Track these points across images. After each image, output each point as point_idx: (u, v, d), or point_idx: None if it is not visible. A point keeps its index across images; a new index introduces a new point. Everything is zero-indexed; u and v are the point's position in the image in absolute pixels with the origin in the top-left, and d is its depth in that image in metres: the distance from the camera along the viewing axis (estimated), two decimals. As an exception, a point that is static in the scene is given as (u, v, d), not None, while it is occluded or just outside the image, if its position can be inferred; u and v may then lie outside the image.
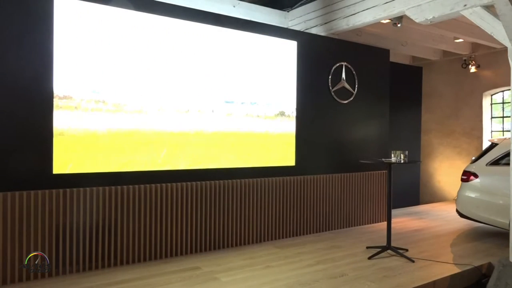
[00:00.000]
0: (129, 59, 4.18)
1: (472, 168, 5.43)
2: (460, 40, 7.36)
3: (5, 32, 3.55)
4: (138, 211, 4.18)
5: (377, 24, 5.76)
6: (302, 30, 6.17)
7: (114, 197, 4.05)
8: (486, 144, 7.49)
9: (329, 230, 5.72)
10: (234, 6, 5.93)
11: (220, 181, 4.74)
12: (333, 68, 5.80)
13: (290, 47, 5.39)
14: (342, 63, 5.90)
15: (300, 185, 5.42)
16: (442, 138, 8.89)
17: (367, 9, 5.35)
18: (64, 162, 3.81)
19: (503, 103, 8.22)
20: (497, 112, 8.32)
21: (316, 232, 5.57)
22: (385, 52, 6.60)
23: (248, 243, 4.95)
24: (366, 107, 6.22)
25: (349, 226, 5.95)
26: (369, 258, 4.37)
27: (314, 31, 6.08)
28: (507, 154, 4.96)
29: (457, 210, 5.63)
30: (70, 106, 3.86)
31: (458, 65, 8.41)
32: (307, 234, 5.48)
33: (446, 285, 3.83)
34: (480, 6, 4.06)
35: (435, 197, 8.89)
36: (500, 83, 7.85)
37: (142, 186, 4.21)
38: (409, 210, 7.43)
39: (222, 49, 4.80)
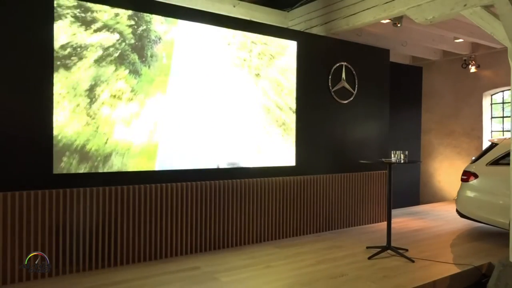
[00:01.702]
0: (128, 58, 4.19)
1: (472, 168, 5.42)
2: (460, 40, 7.36)
3: (5, 32, 3.55)
4: (138, 211, 4.17)
5: (377, 24, 5.75)
6: (302, 30, 6.17)
7: (114, 197, 4.04)
8: (486, 144, 7.48)
9: (329, 230, 5.72)
10: (234, 6, 5.93)
11: (220, 181, 4.74)
12: (333, 68, 5.80)
13: (290, 47, 5.39)
14: (342, 63, 5.90)
15: (300, 185, 5.42)
16: (442, 138, 8.89)
17: (367, 9, 5.35)
18: (64, 162, 3.81)
19: (503, 103, 8.22)
20: (497, 112, 8.32)
21: (316, 232, 5.57)
22: (385, 52, 6.59)
23: (248, 243, 4.95)
24: (366, 107, 6.21)
25: (349, 226, 5.95)
26: (369, 258, 4.37)
27: (314, 31, 6.07)
28: (507, 154, 4.95)
29: (457, 210, 5.63)
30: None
31: (458, 65, 8.40)
32: (307, 234, 5.47)
33: (446, 285, 3.83)
34: (480, 6, 4.05)
35: (435, 197, 8.89)
36: (500, 83, 7.85)
37: (142, 186, 4.21)
38: (409, 210, 7.43)
39: (222, 48, 4.80)
